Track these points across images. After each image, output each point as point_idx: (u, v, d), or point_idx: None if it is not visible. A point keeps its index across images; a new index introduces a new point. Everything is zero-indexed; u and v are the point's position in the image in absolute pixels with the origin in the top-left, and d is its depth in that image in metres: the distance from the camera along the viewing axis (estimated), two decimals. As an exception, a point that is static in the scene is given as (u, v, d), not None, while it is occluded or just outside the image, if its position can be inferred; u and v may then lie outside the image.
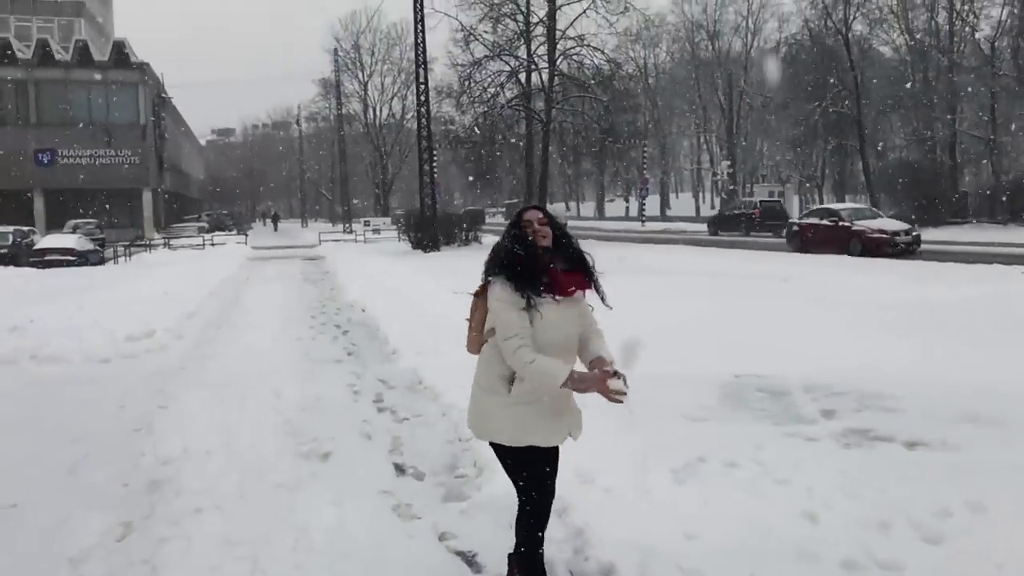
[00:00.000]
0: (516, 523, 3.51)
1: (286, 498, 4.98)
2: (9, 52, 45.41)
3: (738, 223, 38.46)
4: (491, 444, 3.42)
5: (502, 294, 3.21)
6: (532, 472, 3.37)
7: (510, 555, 3.60)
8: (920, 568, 3.61)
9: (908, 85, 42.47)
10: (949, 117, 40.10)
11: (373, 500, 4.91)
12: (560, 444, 3.46)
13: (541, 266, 3.24)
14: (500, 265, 3.27)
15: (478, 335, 3.47)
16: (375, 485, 5.16)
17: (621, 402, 3.12)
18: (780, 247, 27.37)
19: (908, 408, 6.29)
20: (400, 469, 5.53)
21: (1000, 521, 3.99)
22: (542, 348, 3.19)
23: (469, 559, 4.11)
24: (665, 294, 14.06)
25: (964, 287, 13.78)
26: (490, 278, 3.31)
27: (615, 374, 3.17)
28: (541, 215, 3.35)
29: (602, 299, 3.44)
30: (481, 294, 3.41)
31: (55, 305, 13.67)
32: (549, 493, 3.44)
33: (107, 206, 46.74)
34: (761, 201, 40.37)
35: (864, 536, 3.88)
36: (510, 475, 3.44)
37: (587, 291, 3.42)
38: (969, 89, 40.20)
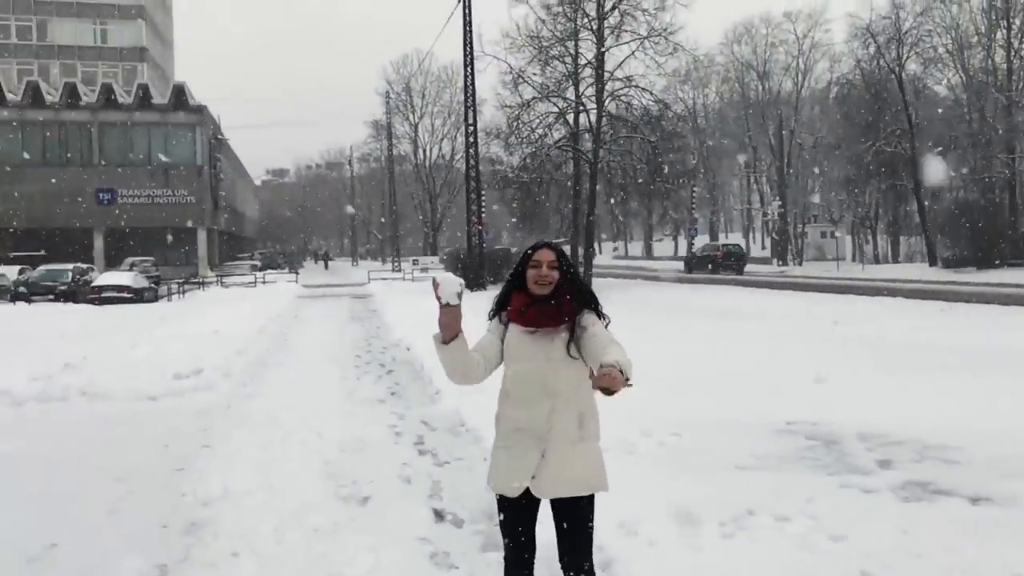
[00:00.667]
0: None
1: (322, 543, 4.88)
2: (76, 96, 47.11)
3: (705, 263, 45.62)
4: None
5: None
6: (503, 527, 3.21)
7: None
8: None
9: (964, 124, 41.68)
10: (1008, 156, 39.19)
11: (410, 547, 4.79)
12: (510, 492, 3.09)
13: (515, 299, 3.18)
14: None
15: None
16: (413, 531, 5.04)
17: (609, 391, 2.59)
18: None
19: (971, 460, 6.01)
20: (439, 515, 5.40)
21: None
22: (510, 378, 3.15)
23: (506, 613, 3.95)
24: (712, 337, 13.82)
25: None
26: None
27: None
28: (553, 257, 3.15)
29: (600, 316, 3.15)
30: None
31: (108, 342, 13.91)
32: (511, 546, 3.17)
33: (164, 244, 47.90)
34: (723, 245, 50.09)
35: (927, 600, 3.65)
36: None
37: (571, 319, 3.08)
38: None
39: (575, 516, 3.08)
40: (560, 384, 3.06)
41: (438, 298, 2.94)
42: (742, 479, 5.65)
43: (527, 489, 3.05)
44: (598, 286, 32.01)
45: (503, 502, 3.16)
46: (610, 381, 2.56)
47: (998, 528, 4.53)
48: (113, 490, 6.05)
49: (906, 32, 43.21)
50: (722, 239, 76.70)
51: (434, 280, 2.95)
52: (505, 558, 3.21)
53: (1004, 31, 39.62)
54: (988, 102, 40.61)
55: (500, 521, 3.20)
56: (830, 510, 4.86)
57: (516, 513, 3.14)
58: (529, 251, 3.22)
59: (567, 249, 42.95)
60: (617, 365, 2.65)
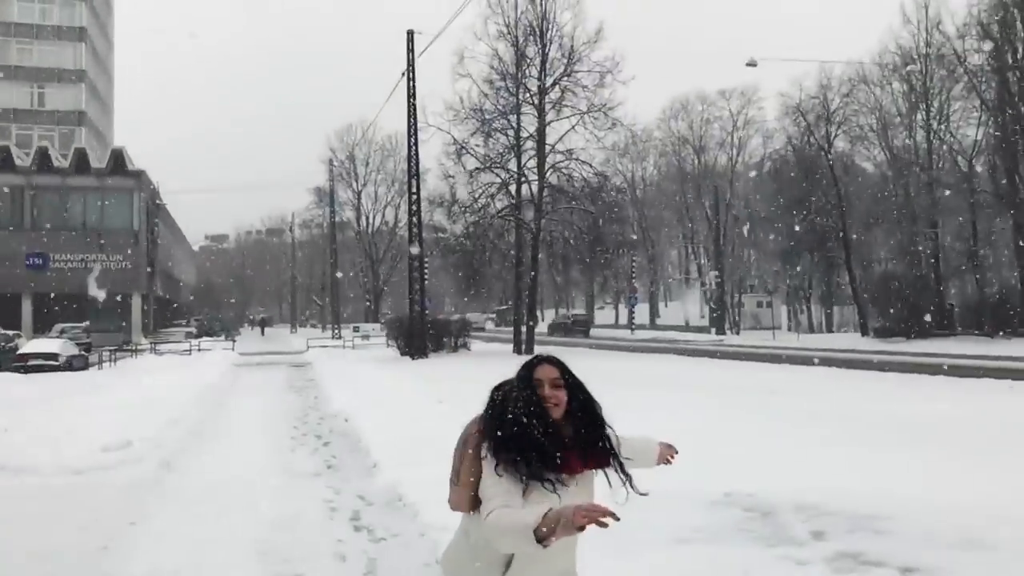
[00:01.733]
0: None
1: (252, 626, 4.73)
2: (8, 159, 46.19)
3: (561, 328, 57.33)
4: None
5: (496, 479, 2.51)
6: None
7: None
8: None
9: (891, 199, 43.46)
10: (931, 231, 40.88)
11: (344, 629, 4.67)
12: None
13: (552, 450, 2.55)
14: (503, 438, 2.56)
15: (471, 493, 2.66)
16: (347, 612, 4.92)
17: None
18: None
19: (901, 530, 6.12)
20: (374, 594, 5.29)
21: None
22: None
23: None
24: (655, 406, 13.91)
25: (953, 402, 13.72)
26: (484, 450, 2.59)
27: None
28: (557, 373, 2.66)
29: (628, 482, 2.76)
30: (474, 441, 2.67)
31: (32, 412, 13.42)
32: None
33: (97, 311, 46.64)
34: (573, 314, 66.73)
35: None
36: None
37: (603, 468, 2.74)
38: (953, 203, 41.12)
39: None
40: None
41: (598, 523, 2.17)
42: (680, 553, 5.66)
43: None
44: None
45: None
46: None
47: (926, 600, 4.61)
48: (33, 570, 5.79)
49: (834, 111, 45.28)
50: (661, 307, 78.00)
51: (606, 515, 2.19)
52: None
53: (923, 113, 41.72)
54: (912, 179, 42.47)
55: None
56: (765, 583, 4.89)
57: None
58: (525, 372, 2.69)
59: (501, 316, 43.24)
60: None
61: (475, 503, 2.63)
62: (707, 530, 6.24)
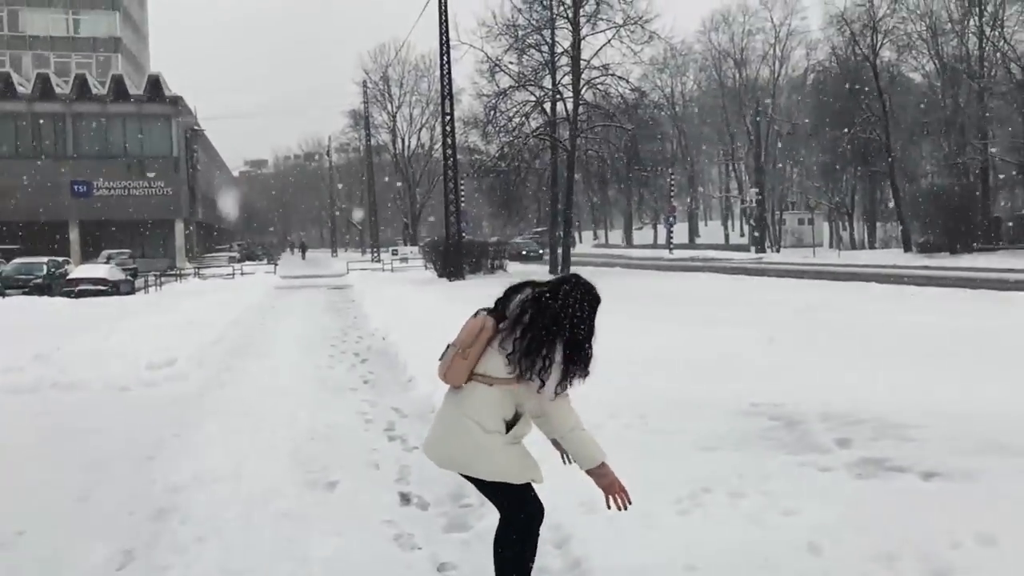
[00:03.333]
0: (502, 552, 3.50)
1: (289, 527, 4.95)
2: (49, 87, 46.60)
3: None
4: (472, 479, 3.45)
5: (558, 373, 3.24)
6: (531, 496, 3.45)
7: None
8: (926, 603, 3.49)
9: (938, 111, 42.10)
10: (981, 142, 39.64)
11: (375, 530, 4.87)
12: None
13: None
14: (573, 337, 3.28)
15: (470, 369, 3.33)
16: (378, 515, 5.12)
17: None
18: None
19: (927, 437, 6.15)
20: (405, 498, 5.49)
21: (1009, 554, 3.86)
22: (528, 413, 3.39)
23: (466, 590, 4.05)
24: (690, 321, 13.96)
25: (998, 315, 13.54)
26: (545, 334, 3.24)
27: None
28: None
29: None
30: (490, 329, 3.35)
31: (82, 334, 13.86)
32: (540, 516, 3.52)
33: (141, 236, 47.58)
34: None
35: (868, 569, 3.77)
36: (505, 503, 3.44)
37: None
38: (1004, 113, 39.77)
39: None
40: None
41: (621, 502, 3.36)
42: (703, 459, 5.76)
43: None
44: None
45: (528, 488, 3.44)
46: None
47: (944, 501, 4.67)
48: (82, 479, 6.08)
49: (880, 19, 43.57)
50: (701, 227, 77.14)
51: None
52: (534, 523, 3.47)
53: (976, 18, 40.03)
54: (961, 89, 41.02)
55: (528, 499, 3.45)
56: (785, 487, 4.98)
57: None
58: (591, 299, 3.41)
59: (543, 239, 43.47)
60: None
61: (469, 378, 3.34)
62: (732, 438, 6.33)
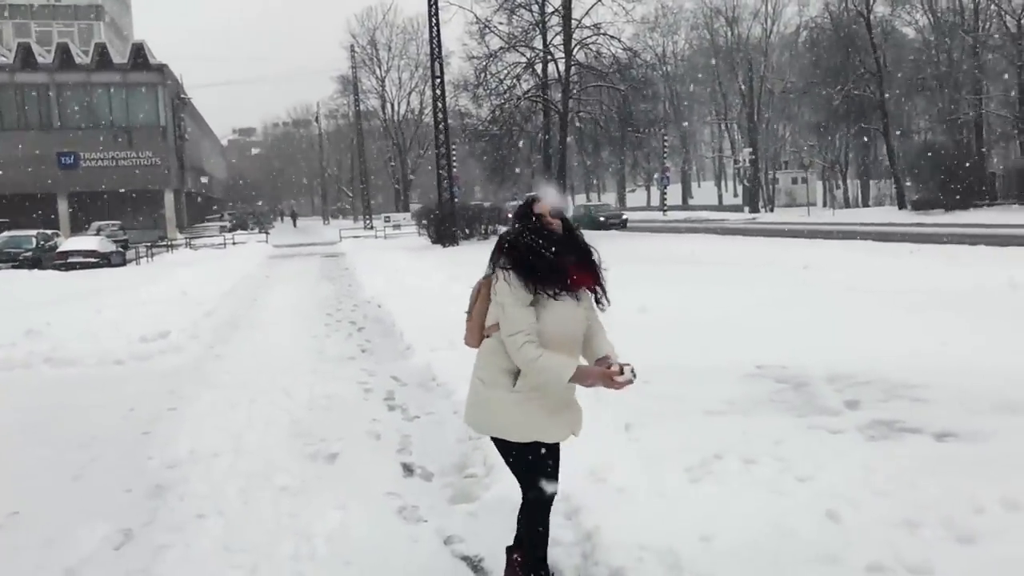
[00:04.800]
0: (519, 517, 3.40)
1: (289, 502, 4.83)
2: (31, 57, 45.77)
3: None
4: (494, 439, 3.32)
5: (510, 288, 3.08)
6: (537, 467, 3.26)
7: (508, 548, 3.48)
8: (952, 570, 3.38)
9: (932, 66, 41.74)
10: (975, 97, 39.36)
11: (378, 502, 4.76)
12: (563, 440, 3.33)
13: (561, 264, 3.12)
14: (515, 259, 3.12)
15: (479, 327, 3.33)
16: (381, 487, 5.01)
17: (628, 383, 3.06)
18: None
19: (938, 397, 6.05)
20: (408, 469, 5.37)
21: (1037, 519, 3.76)
22: (548, 344, 3.08)
23: (475, 564, 3.94)
24: (687, 282, 13.85)
25: (996, 271, 13.42)
26: (497, 270, 3.16)
27: (620, 370, 3.05)
28: (549, 207, 3.23)
29: (599, 300, 3.33)
30: (486, 285, 3.27)
31: (73, 307, 13.68)
32: (552, 487, 3.32)
33: (130, 207, 47.12)
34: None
35: (891, 536, 3.66)
36: (514, 470, 3.32)
37: (594, 288, 3.30)
38: (999, 67, 39.43)
39: (559, 454, 3.38)
40: (580, 335, 3.26)
41: (621, 383, 3.02)
42: (711, 424, 5.66)
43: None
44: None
45: (543, 449, 3.24)
46: (621, 386, 3.03)
47: (962, 463, 4.57)
48: (77, 456, 5.95)
49: (875, -28, 42.98)
50: (694, 188, 76.84)
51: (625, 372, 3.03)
52: (542, 500, 3.30)
53: (972, -30, 39.53)
54: (955, 43, 40.63)
55: (543, 468, 3.26)
56: (797, 452, 4.87)
57: (555, 456, 3.32)
58: (526, 208, 3.27)
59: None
60: (617, 359, 3.16)
61: (481, 338, 3.31)
62: (739, 402, 6.22)
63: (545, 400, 3.15)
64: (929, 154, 38.16)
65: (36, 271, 25.68)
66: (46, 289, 18.85)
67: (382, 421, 6.58)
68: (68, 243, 30.04)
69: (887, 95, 42.52)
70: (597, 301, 3.31)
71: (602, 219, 41.38)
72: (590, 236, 3.46)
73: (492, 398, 3.20)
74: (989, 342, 7.96)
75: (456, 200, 33.56)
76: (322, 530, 4.38)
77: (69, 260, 27.31)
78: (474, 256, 23.38)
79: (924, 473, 4.39)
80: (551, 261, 3.09)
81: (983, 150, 39.75)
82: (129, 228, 42.34)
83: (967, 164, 36.76)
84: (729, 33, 63.62)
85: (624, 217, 43.78)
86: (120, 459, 5.88)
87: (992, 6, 39.72)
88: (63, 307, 13.85)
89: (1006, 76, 39.43)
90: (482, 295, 3.32)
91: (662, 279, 14.53)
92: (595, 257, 3.28)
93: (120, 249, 31.05)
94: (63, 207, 45.94)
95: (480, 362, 3.30)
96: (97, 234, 34.25)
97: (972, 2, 40.19)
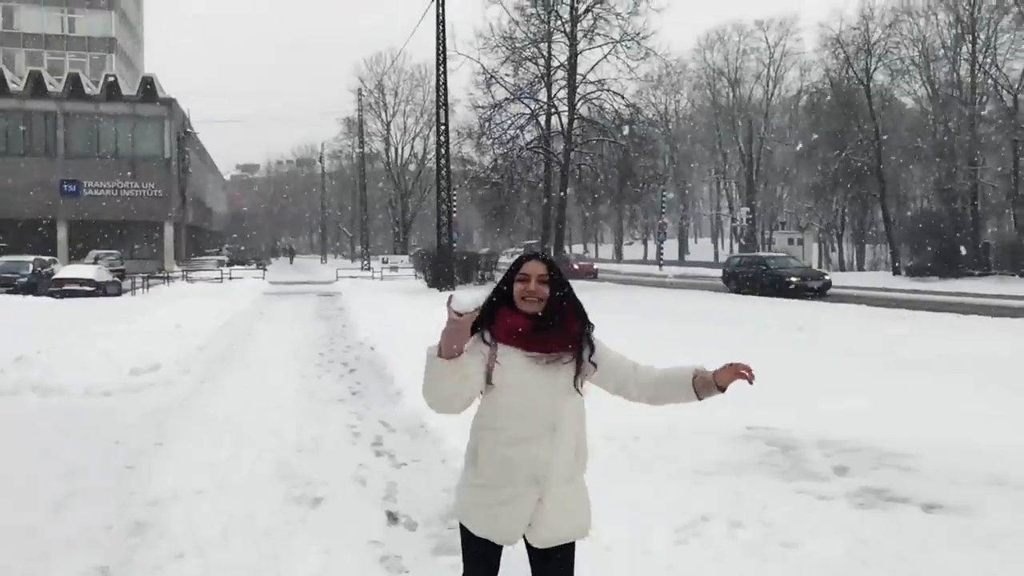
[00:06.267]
0: None
1: (271, 545, 4.78)
2: (41, 85, 46.25)
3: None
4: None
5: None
6: (471, 560, 2.85)
7: None
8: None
9: (930, 136, 42.31)
10: (971, 168, 39.82)
11: (361, 550, 4.71)
12: (503, 542, 2.79)
13: (506, 316, 2.73)
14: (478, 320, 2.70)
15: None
16: (365, 534, 4.95)
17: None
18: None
19: (927, 468, 6.04)
20: (393, 517, 5.32)
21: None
22: (504, 411, 2.69)
23: (456, 619, 3.89)
24: (678, 341, 13.86)
25: (989, 341, 13.48)
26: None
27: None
28: (543, 270, 2.76)
29: (580, 375, 2.79)
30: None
31: (66, 335, 13.63)
32: None
33: (130, 237, 47.19)
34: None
35: (876, 609, 3.63)
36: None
37: (574, 355, 2.77)
38: (995, 140, 39.98)
39: (562, 561, 2.82)
40: (564, 419, 2.74)
41: (451, 311, 2.47)
42: (700, 484, 5.63)
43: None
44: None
45: (478, 542, 2.80)
46: (746, 374, 2.80)
47: (948, 536, 4.55)
48: (59, 488, 5.89)
49: (875, 43, 43.80)
50: (691, 244, 77.25)
51: (450, 297, 2.51)
52: None
53: (969, 45, 40.26)
54: (953, 115, 41.23)
55: (469, 554, 2.84)
56: (784, 517, 4.85)
57: (492, 553, 2.83)
58: (516, 262, 2.84)
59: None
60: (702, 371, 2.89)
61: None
62: (728, 463, 6.20)
63: (498, 485, 2.73)
64: (924, 223, 38.51)
65: (31, 297, 25.62)
66: (40, 316, 18.79)
67: (369, 467, 6.53)
68: (65, 271, 30.03)
69: (885, 162, 43.04)
70: (585, 358, 2.80)
71: (792, 281, 27.66)
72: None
73: (462, 476, 2.90)
74: (979, 413, 7.97)
75: (455, 245, 33.72)
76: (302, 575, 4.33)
77: (65, 288, 27.26)
78: (469, 302, 23.41)
79: (910, 544, 4.37)
80: (490, 303, 2.73)
81: (977, 221, 40.10)
82: (128, 258, 42.39)
83: (962, 234, 37.06)
84: (731, 94, 64.65)
85: (827, 278, 29.05)
86: (102, 493, 5.82)
87: (989, 80, 40.44)
88: (56, 335, 13.80)
89: (1002, 150, 39.96)
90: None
91: (657, 336, 14.56)
92: (585, 319, 2.83)
93: (117, 279, 31.04)
94: (62, 234, 46.02)
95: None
96: (95, 263, 34.23)
97: (970, 75, 40.89)
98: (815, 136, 47.25)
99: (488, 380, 2.70)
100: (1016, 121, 37.82)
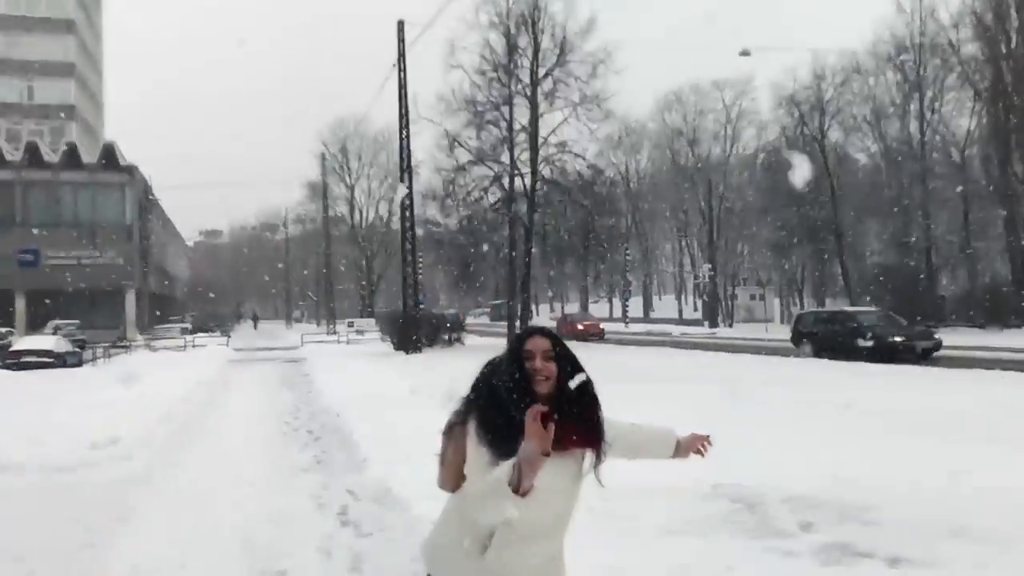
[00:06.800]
0: None
1: (234, 623, 4.68)
2: (-1, 154, 46.01)
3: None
4: None
5: (473, 445, 2.47)
6: None
7: None
8: None
9: (884, 190, 43.49)
10: (924, 222, 40.91)
11: (327, 625, 4.63)
12: None
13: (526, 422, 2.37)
14: (478, 408, 2.54)
15: (457, 470, 2.60)
16: (330, 608, 4.88)
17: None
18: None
19: (890, 520, 6.10)
20: (358, 590, 5.25)
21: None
22: (523, 525, 2.39)
23: None
24: (639, 399, 13.90)
25: (948, 393, 13.72)
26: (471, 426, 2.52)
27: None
28: (548, 345, 2.56)
29: (597, 464, 2.64)
30: (461, 429, 2.59)
31: (21, 409, 13.36)
32: None
33: (91, 306, 46.51)
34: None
35: (842, 668, 3.64)
36: None
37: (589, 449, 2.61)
38: (946, 194, 41.20)
39: None
40: (571, 512, 2.61)
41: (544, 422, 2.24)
42: (667, 544, 5.63)
43: None
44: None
45: None
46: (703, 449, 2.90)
47: (912, 591, 4.59)
48: (12, 570, 5.73)
49: (827, 101, 45.30)
50: (655, 301, 77.89)
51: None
52: None
53: (917, 102, 41.74)
54: (905, 170, 42.51)
55: None
56: (751, 575, 4.86)
57: None
58: (516, 343, 2.60)
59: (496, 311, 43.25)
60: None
61: (461, 481, 2.56)
62: (694, 522, 6.21)
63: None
64: (882, 276, 39.35)
65: (-14, 370, 25.07)
66: (-5, 389, 18.37)
67: (334, 537, 6.43)
68: (22, 342, 29.50)
69: (841, 217, 44.09)
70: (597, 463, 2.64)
71: (897, 342, 23.31)
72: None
73: (450, 558, 2.62)
74: (942, 464, 8.06)
75: (422, 306, 33.73)
76: (266, 654, 4.24)
77: (22, 359, 26.71)
78: (436, 364, 23.39)
79: (875, 601, 4.40)
80: (511, 419, 2.40)
81: (932, 273, 41.07)
82: (89, 328, 41.73)
83: (918, 286, 37.91)
84: (690, 153, 66.04)
85: (937, 338, 24.41)
86: (59, 574, 5.67)
87: (937, 137, 41.85)
88: (10, 408, 13.51)
89: (951, 203, 41.15)
90: (455, 437, 2.65)
91: (618, 395, 14.58)
92: (601, 414, 2.65)
93: (77, 349, 30.52)
94: (20, 305, 45.31)
95: (449, 506, 2.72)
96: (54, 333, 33.71)
97: (919, 132, 42.31)
98: (773, 193, 48.30)
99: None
100: (965, 176, 39.06)
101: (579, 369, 2.57)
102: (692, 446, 3.08)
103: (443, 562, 2.64)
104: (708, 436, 3.08)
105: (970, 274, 40.67)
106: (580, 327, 42.44)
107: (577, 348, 2.73)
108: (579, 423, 2.53)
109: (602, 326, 45.27)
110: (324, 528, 6.72)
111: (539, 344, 2.55)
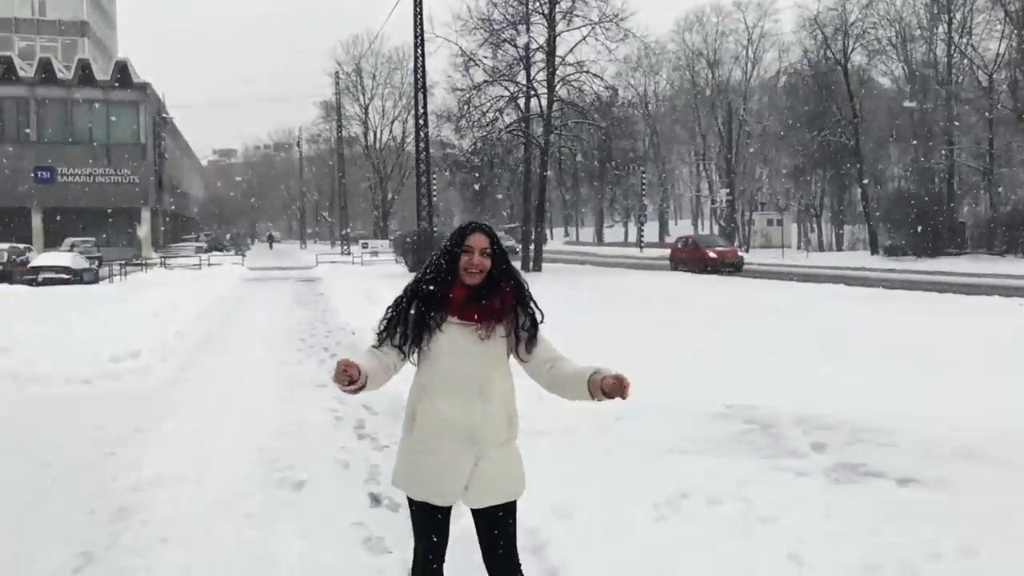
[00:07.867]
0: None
1: (254, 529, 4.80)
2: (11, 70, 45.52)
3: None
4: None
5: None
6: (417, 529, 3.00)
7: None
8: (908, 615, 3.43)
9: (907, 115, 42.62)
10: (947, 148, 40.18)
11: (344, 532, 4.74)
12: (440, 503, 2.91)
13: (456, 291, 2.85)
14: (411, 292, 2.96)
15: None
16: (348, 516, 4.98)
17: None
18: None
19: (902, 443, 6.13)
20: (375, 499, 5.35)
21: (991, 566, 3.82)
22: (439, 374, 2.86)
23: (439, 598, 3.93)
24: (657, 324, 13.95)
25: (964, 320, 13.67)
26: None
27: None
28: (486, 243, 2.86)
29: (533, 317, 2.92)
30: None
31: (43, 324, 13.51)
32: (427, 553, 2.97)
33: (106, 225, 46.66)
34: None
35: (850, 580, 3.71)
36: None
37: (511, 328, 2.90)
38: (970, 120, 40.36)
39: (502, 522, 2.94)
40: (495, 384, 2.88)
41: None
42: (679, 463, 5.69)
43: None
44: (548, 271, 32.08)
45: (421, 507, 2.94)
46: (622, 389, 2.70)
47: (923, 509, 4.63)
48: (40, 475, 5.88)
49: (852, 23, 44.03)
50: (671, 226, 77.46)
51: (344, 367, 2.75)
52: (416, 560, 3.02)
53: (945, 25, 40.53)
54: (929, 95, 41.55)
55: (415, 524, 2.99)
56: (762, 493, 4.92)
57: (435, 519, 2.94)
58: (457, 234, 2.91)
59: (503, 236, 43.04)
60: (608, 373, 2.75)
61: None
62: (706, 441, 6.27)
63: (433, 449, 2.86)
64: (901, 202, 38.86)
65: (6, 286, 25.33)
66: (15, 304, 18.59)
67: (351, 450, 6.55)
68: (40, 258, 29.71)
69: (863, 142, 43.33)
70: (529, 332, 2.91)
71: None
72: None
73: (401, 443, 3.05)
74: (954, 390, 8.09)
75: (435, 229, 33.64)
76: (286, 558, 4.36)
77: (40, 276, 26.98)
78: (450, 286, 23.38)
79: (885, 518, 4.45)
80: (442, 280, 2.86)
81: (954, 200, 40.51)
82: (104, 245, 41.95)
83: (938, 213, 37.44)
84: (710, 75, 64.70)
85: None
86: (83, 480, 5.81)
87: (965, 60, 40.75)
88: (32, 323, 13.68)
89: (977, 130, 40.33)
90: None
91: (637, 319, 14.66)
92: (525, 288, 2.94)
93: (93, 266, 30.75)
94: (37, 221, 45.47)
95: None
96: (71, 250, 33.87)
97: (946, 55, 41.20)
98: (794, 117, 47.44)
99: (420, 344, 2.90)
100: (991, 100, 38.15)
101: (509, 267, 2.91)
102: (602, 386, 2.75)
103: (397, 458, 3.07)
104: (624, 378, 2.75)
105: (992, 200, 40.07)
106: (712, 254, 31.70)
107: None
108: (496, 305, 2.86)
109: (741, 254, 34.50)
110: (341, 441, 6.84)
111: (479, 241, 2.86)
